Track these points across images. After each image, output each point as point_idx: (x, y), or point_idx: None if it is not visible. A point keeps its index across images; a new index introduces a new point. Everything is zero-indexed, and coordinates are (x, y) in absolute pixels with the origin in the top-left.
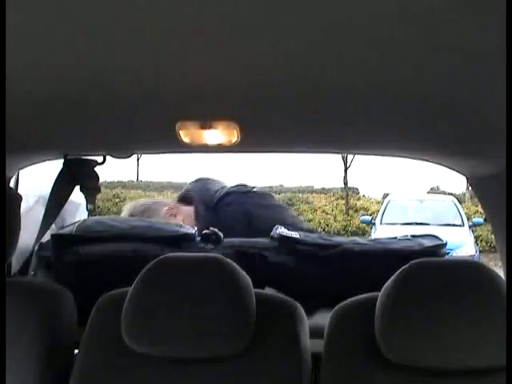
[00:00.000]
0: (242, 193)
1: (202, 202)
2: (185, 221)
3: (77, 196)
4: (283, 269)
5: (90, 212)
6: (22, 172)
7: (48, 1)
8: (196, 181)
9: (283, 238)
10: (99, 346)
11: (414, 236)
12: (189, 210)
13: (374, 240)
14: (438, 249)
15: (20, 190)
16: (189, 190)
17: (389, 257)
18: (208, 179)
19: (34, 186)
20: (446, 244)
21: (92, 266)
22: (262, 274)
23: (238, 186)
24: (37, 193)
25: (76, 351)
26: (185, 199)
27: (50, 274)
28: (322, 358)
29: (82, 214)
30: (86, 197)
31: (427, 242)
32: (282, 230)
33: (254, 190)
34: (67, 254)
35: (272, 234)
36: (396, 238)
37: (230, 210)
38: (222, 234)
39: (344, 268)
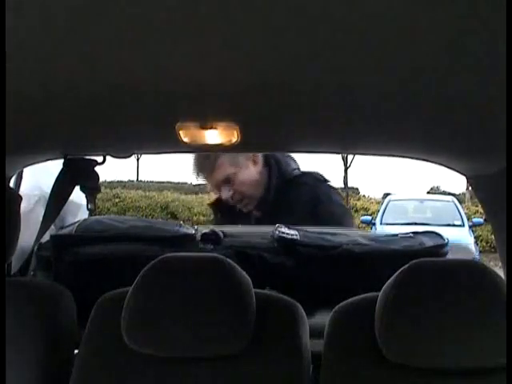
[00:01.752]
0: (319, 180)
1: (278, 169)
2: (261, 173)
3: (78, 197)
4: (283, 270)
5: (91, 212)
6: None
7: (48, 1)
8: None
9: (282, 239)
10: (99, 345)
11: (415, 233)
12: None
13: (376, 237)
14: (440, 248)
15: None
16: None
17: (389, 257)
18: (289, 155)
19: (35, 185)
20: (447, 243)
21: (91, 266)
22: (261, 275)
23: (315, 172)
24: (37, 192)
25: (76, 351)
26: (266, 157)
27: (49, 274)
28: (322, 357)
29: (83, 215)
30: (86, 196)
31: (428, 241)
32: (282, 230)
33: (329, 182)
34: (66, 254)
35: (272, 234)
36: (397, 235)
37: (303, 190)
38: (222, 234)
39: (344, 269)
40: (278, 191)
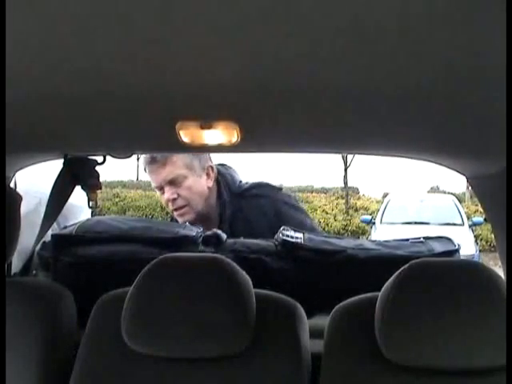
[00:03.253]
0: (272, 188)
1: (226, 185)
2: (210, 189)
3: (79, 199)
4: (284, 275)
5: (93, 209)
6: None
7: (48, 1)
8: (221, 165)
9: (285, 243)
10: (99, 345)
11: (426, 238)
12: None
13: (384, 243)
14: (449, 255)
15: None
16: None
17: (395, 263)
18: (231, 168)
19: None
20: (458, 249)
21: (89, 267)
22: (262, 280)
23: (263, 182)
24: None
25: (76, 351)
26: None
27: (49, 274)
28: (321, 357)
29: (85, 217)
30: (87, 194)
31: (438, 247)
32: (286, 233)
33: (282, 190)
34: (65, 254)
35: (276, 237)
36: (408, 240)
37: (258, 202)
38: (224, 236)
39: (347, 275)
40: (233, 207)
